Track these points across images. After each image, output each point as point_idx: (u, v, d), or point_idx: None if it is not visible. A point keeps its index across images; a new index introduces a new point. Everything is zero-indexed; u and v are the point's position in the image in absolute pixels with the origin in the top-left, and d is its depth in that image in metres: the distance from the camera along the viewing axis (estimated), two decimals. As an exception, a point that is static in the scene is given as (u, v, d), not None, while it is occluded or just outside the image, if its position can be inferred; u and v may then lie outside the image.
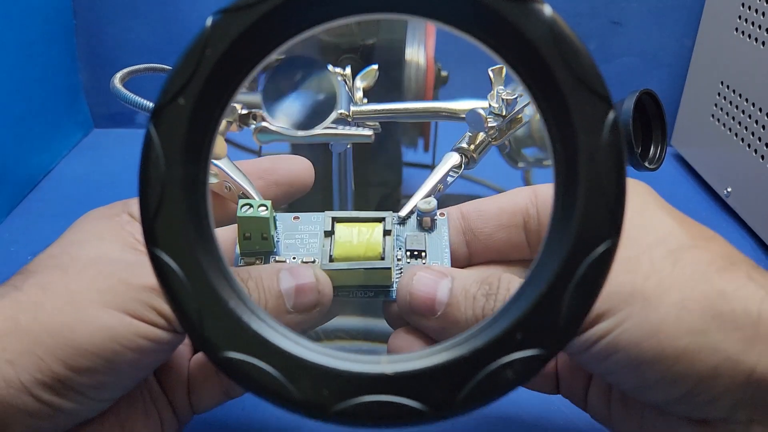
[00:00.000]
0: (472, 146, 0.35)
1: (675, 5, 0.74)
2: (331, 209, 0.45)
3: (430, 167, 0.62)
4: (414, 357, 0.20)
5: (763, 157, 0.58)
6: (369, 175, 0.52)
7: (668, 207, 0.29)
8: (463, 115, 0.37)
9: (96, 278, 0.26)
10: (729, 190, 0.64)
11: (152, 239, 0.20)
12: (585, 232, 0.19)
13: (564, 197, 0.20)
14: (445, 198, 0.35)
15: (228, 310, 0.20)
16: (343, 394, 0.20)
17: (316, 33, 0.20)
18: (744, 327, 0.24)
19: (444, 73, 0.53)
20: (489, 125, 0.35)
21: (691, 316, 0.24)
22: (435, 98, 0.52)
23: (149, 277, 0.26)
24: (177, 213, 0.20)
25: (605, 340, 0.25)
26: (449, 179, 0.36)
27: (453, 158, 0.36)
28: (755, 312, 0.24)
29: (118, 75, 0.38)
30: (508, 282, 0.27)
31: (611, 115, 0.19)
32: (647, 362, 0.24)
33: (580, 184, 0.19)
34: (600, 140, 0.19)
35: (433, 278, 0.28)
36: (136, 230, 0.30)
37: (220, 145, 0.36)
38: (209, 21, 0.19)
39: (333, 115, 0.36)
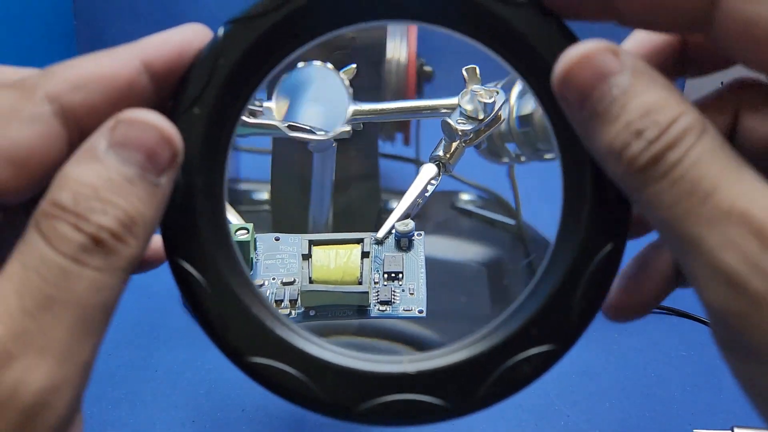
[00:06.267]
0: (448, 154, 0.35)
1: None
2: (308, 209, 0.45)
3: (413, 160, 0.62)
4: (435, 356, 0.21)
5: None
6: (347, 170, 0.52)
7: None
8: (444, 110, 0.37)
9: None
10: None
11: (174, 249, 0.20)
12: (593, 231, 0.20)
13: (572, 199, 0.20)
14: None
15: (251, 316, 0.20)
16: (367, 394, 0.20)
17: (325, 40, 0.21)
18: None
19: (428, 69, 0.52)
20: (461, 129, 0.35)
21: None
22: (419, 94, 0.52)
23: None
24: (196, 222, 0.20)
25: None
26: (428, 191, 0.36)
27: (430, 170, 0.36)
28: None
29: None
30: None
31: None
32: None
33: (588, 188, 0.20)
34: None
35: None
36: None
37: None
38: (221, 31, 0.20)
39: (349, 112, 0.36)
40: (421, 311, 0.32)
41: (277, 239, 0.34)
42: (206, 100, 0.20)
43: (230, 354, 0.20)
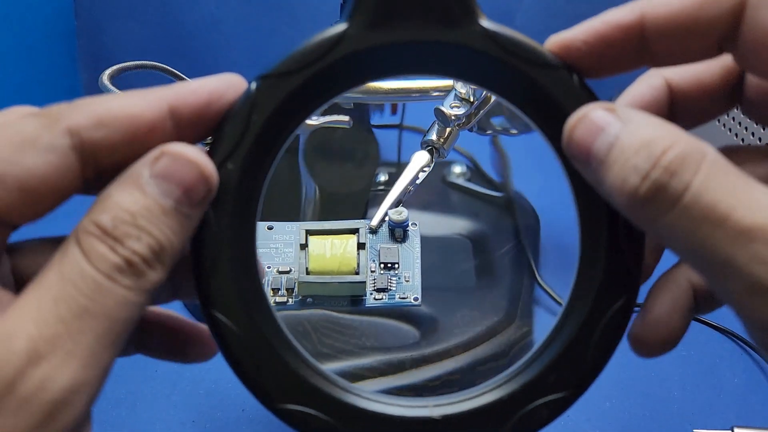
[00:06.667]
0: (441, 139, 0.36)
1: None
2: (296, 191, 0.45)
3: (398, 126, 0.61)
4: (459, 400, 0.22)
5: (762, 157, 0.57)
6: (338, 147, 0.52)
7: None
8: (434, 93, 0.38)
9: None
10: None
11: (208, 301, 0.21)
12: (608, 286, 0.21)
13: (588, 255, 0.21)
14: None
15: (284, 364, 0.21)
16: None
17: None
18: None
19: None
20: (455, 114, 0.35)
21: None
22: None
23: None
24: (230, 274, 0.21)
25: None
26: (419, 178, 0.36)
27: (422, 158, 0.37)
28: None
29: (108, 72, 0.39)
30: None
31: None
32: None
33: (602, 247, 0.21)
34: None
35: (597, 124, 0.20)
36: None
37: None
38: (253, 86, 0.20)
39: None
40: (416, 299, 0.33)
41: (270, 228, 0.34)
42: (239, 155, 0.20)
43: (263, 400, 0.21)
